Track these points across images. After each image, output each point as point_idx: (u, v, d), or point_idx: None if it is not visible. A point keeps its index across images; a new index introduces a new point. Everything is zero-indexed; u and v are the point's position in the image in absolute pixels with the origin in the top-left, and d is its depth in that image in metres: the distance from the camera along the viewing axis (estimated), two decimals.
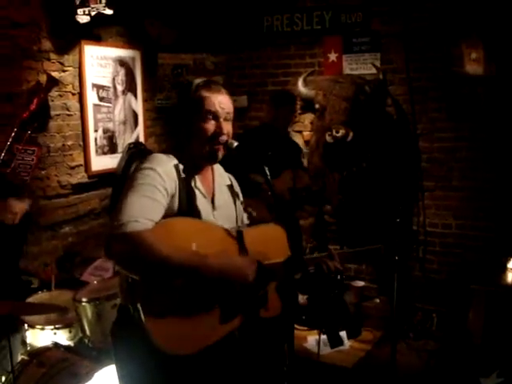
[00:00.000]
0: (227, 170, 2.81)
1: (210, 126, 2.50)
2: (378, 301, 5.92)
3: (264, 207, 3.85)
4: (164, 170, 2.37)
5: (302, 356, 4.88)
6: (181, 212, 2.40)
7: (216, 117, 2.51)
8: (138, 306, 2.25)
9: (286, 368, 3.59)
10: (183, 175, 2.45)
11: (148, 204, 2.26)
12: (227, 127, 2.54)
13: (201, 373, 2.47)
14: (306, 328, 5.39)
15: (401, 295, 3.49)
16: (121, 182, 5.44)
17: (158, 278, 2.25)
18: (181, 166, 2.46)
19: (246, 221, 2.84)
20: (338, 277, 5.58)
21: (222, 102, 2.54)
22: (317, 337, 4.98)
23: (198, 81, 2.58)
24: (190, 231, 2.37)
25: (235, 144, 2.54)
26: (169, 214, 2.35)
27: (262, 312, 2.55)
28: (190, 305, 2.32)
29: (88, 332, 3.68)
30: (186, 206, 2.43)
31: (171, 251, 2.22)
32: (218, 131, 2.51)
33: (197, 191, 2.50)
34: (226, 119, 2.54)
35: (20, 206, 4.19)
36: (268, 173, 2.50)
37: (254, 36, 6.41)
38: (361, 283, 5.97)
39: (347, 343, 5.22)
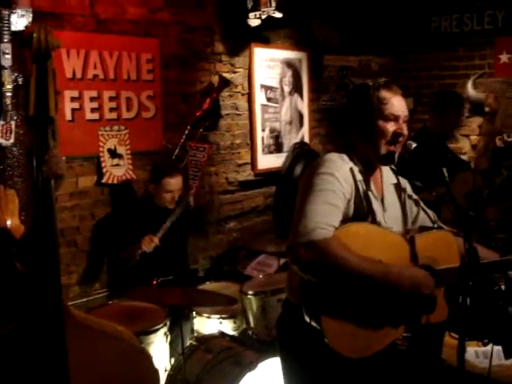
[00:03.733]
0: (401, 171, 2.77)
1: (391, 126, 2.46)
2: None
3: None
4: (342, 175, 2.37)
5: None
6: (355, 216, 2.41)
7: (397, 118, 2.48)
8: (314, 310, 2.30)
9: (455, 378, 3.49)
10: (359, 178, 2.45)
11: (330, 210, 2.27)
12: (406, 128, 2.51)
13: (364, 378, 2.47)
14: (466, 338, 5.21)
15: None
16: (285, 181, 5.59)
17: (341, 285, 2.28)
18: (355, 169, 2.45)
19: (424, 219, 2.75)
20: (503, 287, 5.35)
21: (401, 103, 2.51)
22: (476, 348, 4.80)
23: (375, 81, 2.55)
24: (366, 237, 2.37)
25: (414, 145, 2.49)
26: (343, 218, 2.35)
27: (425, 318, 2.51)
28: (364, 309, 2.33)
29: (252, 324, 3.79)
30: (361, 209, 2.43)
31: (358, 260, 2.24)
32: (399, 132, 2.47)
33: (370, 194, 2.50)
34: (404, 121, 2.51)
35: (174, 183, 4.31)
36: (447, 175, 2.44)
37: (421, 37, 6.31)
38: None
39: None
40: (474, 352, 4.88)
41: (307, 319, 2.32)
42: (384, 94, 2.48)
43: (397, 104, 2.48)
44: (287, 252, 2.28)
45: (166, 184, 4.23)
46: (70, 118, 4.19)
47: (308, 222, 2.21)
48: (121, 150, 4.46)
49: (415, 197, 2.76)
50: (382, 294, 2.32)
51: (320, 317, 2.27)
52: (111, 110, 4.41)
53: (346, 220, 2.35)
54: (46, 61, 2.27)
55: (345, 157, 2.46)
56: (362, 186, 2.45)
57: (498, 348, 4.47)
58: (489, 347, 4.56)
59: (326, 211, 2.26)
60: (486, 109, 5.48)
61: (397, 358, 2.67)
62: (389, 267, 2.32)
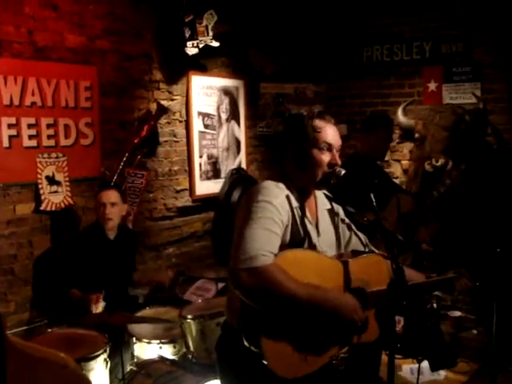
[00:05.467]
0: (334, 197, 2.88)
1: (326, 157, 2.57)
2: (475, 332, 5.81)
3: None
4: (279, 203, 2.45)
5: None
6: (292, 241, 2.50)
7: (330, 147, 2.59)
8: (253, 333, 2.36)
9: None
10: (295, 205, 2.54)
11: (269, 237, 2.36)
12: (339, 158, 2.61)
13: None
14: (400, 356, 5.36)
15: (500, 327, 3.45)
16: (223, 206, 5.67)
17: (282, 310, 2.36)
18: (291, 196, 2.54)
19: (356, 243, 2.88)
20: (435, 305, 5.53)
21: (335, 133, 2.62)
22: (411, 365, 4.95)
23: (310, 111, 2.66)
24: (302, 262, 2.46)
25: (343, 172, 2.59)
26: (281, 244, 2.43)
27: (355, 338, 2.61)
28: (301, 331, 2.42)
29: (192, 348, 3.83)
30: (297, 235, 2.52)
31: (297, 286, 2.33)
32: (334, 162, 2.58)
33: (306, 219, 2.59)
34: (337, 150, 2.62)
35: (105, 195, 4.35)
36: (374, 200, 2.55)
37: (354, 66, 6.51)
38: (457, 313, 5.88)
39: (443, 373, 5.15)
40: (409, 369, 5.04)
41: (246, 343, 2.39)
42: (318, 123, 2.59)
43: (330, 133, 2.60)
44: (229, 277, 2.35)
45: (99, 198, 4.30)
46: (8, 145, 4.18)
47: (249, 249, 2.29)
48: (59, 176, 4.46)
49: (348, 221, 2.88)
50: (318, 317, 2.42)
51: (259, 339, 2.33)
52: (49, 137, 4.42)
53: (283, 246, 2.44)
54: None
55: (281, 185, 2.54)
56: (297, 213, 2.54)
57: None
58: (422, 363, 4.72)
59: (266, 238, 2.34)
60: (416, 135, 5.65)
61: (335, 377, 2.76)
62: (327, 293, 2.42)
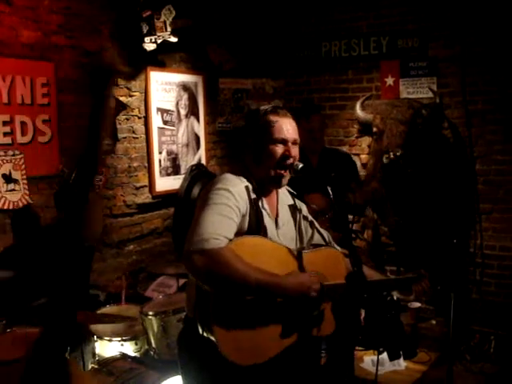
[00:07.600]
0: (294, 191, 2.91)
1: (279, 149, 2.62)
2: (434, 322, 5.90)
3: (326, 201, 3.81)
4: (237, 192, 2.50)
5: (358, 376, 4.91)
6: (249, 231, 2.54)
7: (285, 141, 2.63)
8: (206, 320, 2.39)
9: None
10: (253, 196, 2.58)
11: (225, 222, 2.40)
12: (295, 151, 2.66)
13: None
14: (362, 348, 5.41)
15: (458, 317, 3.52)
16: (184, 202, 5.65)
17: (233, 293, 2.39)
18: (250, 187, 2.58)
19: (318, 240, 2.91)
20: (395, 297, 5.60)
21: (289, 127, 2.66)
22: (373, 357, 5.00)
23: (265, 107, 2.71)
24: (257, 250, 2.51)
25: (300, 166, 2.63)
26: (238, 232, 2.48)
27: (314, 330, 2.65)
28: (257, 318, 2.45)
29: (154, 344, 3.84)
30: (254, 225, 2.56)
31: (247, 269, 2.36)
32: (287, 154, 2.62)
33: (264, 211, 2.62)
34: (293, 143, 2.66)
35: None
36: (331, 193, 2.59)
37: (313, 61, 6.54)
38: (417, 304, 5.96)
39: (403, 364, 5.22)
40: (371, 361, 5.10)
41: (200, 330, 2.44)
42: (271, 118, 2.65)
43: (284, 127, 2.64)
44: (183, 259, 2.38)
45: None
46: None
47: (202, 232, 2.34)
48: (16, 174, 4.39)
49: (310, 218, 2.93)
50: (269, 301, 2.45)
51: (212, 327, 2.37)
52: (5, 134, 4.34)
53: (240, 233, 2.48)
54: None
55: (241, 177, 2.59)
56: (255, 204, 2.58)
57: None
58: (382, 355, 4.77)
59: (220, 223, 2.39)
60: (374, 129, 5.72)
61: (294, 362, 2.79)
62: (278, 277, 2.46)
